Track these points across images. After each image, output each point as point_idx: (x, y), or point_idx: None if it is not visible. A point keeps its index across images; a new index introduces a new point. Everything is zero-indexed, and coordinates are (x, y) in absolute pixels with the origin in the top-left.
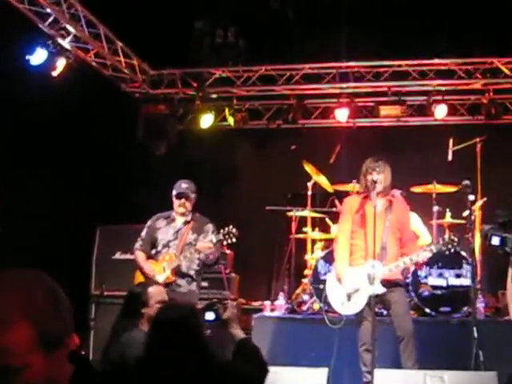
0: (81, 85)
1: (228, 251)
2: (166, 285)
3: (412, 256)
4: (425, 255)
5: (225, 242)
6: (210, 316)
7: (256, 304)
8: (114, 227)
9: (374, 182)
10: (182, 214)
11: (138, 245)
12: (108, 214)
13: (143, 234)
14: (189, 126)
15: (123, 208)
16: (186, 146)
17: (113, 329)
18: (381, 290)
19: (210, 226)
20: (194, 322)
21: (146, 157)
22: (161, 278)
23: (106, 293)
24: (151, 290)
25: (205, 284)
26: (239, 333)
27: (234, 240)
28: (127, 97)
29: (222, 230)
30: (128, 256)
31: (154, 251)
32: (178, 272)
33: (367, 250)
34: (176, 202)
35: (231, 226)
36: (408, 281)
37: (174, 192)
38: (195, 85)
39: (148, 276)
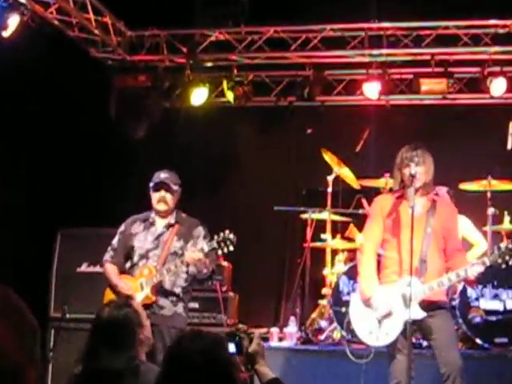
0: (38, 49)
1: (225, 263)
2: (145, 306)
3: (459, 271)
4: (476, 270)
5: (220, 251)
6: (230, 348)
7: (260, 331)
8: (80, 231)
9: (412, 177)
10: (164, 214)
11: (108, 256)
12: (72, 214)
13: (115, 242)
14: (176, 102)
15: (92, 207)
16: (173, 128)
17: (110, 371)
18: (420, 314)
19: (200, 230)
20: (224, 357)
21: (122, 142)
22: (138, 298)
23: (68, 315)
24: (138, 306)
25: (194, 305)
26: (267, 371)
27: (231, 248)
28: (98, 65)
29: (216, 236)
30: (97, 269)
31: (128, 264)
32: (159, 290)
33: (402, 263)
34: (154, 197)
35: (228, 231)
36: (454, 303)
37: (151, 184)
38: (185, 50)
39: (122, 295)
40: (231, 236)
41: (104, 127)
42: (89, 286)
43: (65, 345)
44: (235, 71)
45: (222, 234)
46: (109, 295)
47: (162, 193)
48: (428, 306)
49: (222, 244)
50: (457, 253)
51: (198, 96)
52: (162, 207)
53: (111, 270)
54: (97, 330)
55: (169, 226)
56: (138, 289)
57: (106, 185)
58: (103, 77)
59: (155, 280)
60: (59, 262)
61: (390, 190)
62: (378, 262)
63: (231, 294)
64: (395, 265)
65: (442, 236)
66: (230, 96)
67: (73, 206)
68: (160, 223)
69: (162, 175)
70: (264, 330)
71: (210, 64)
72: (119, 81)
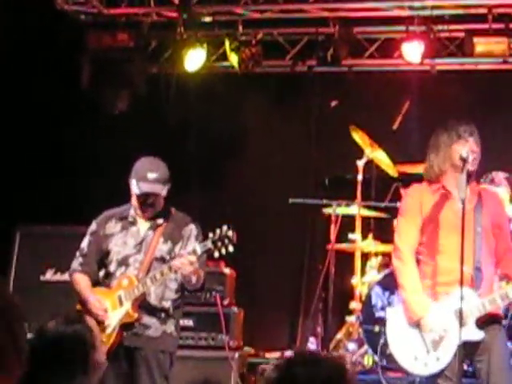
0: None
1: (226, 270)
2: (125, 326)
3: None
4: None
5: (216, 253)
6: None
7: (271, 356)
8: (44, 229)
9: (464, 161)
10: (149, 218)
11: (76, 264)
12: (34, 208)
13: (84, 245)
14: (166, 68)
15: (59, 199)
16: (161, 100)
17: None
18: (477, 334)
19: (191, 229)
20: None
21: (97, 118)
22: (116, 317)
23: (29, 335)
24: (91, 321)
25: (188, 323)
26: None
27: (230, 249)
28: (66, 20)
29: (210, 234)
30: (66, 277)
31: (102, 272)
32: (143, 305)
33: (451, 272)
34: (138, 200)
35: (225, 227)
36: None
37: (136, 188)
38: (176, 1)
39: (93, 315)
40: (230, 233)
41: (75, 99)
42: (55, 299)
43: None
44: (240, 28)
45: (218, 232)
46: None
47: (151, 201)
48: (483, 322)
49: (219, 244)
50: (509, 253)
51: (194, 59)
52: (147, 213)
53: (81, 281)
54: (37, 350)
55: (155, 226)
56: (115, 304)
57: (77, 171)
58: (74, 35)
59: (137, 292)
60: (18, 268)
61: (429, 181)
62: None
63: (235, 308)
64: (440, 274)
65: (493, 234)
66: (233, 60)
67: (34, 197)
68: (143, 223)
69: (150, 175)
70: (277, 354)
71: (208, 19)
72: (94, 40)
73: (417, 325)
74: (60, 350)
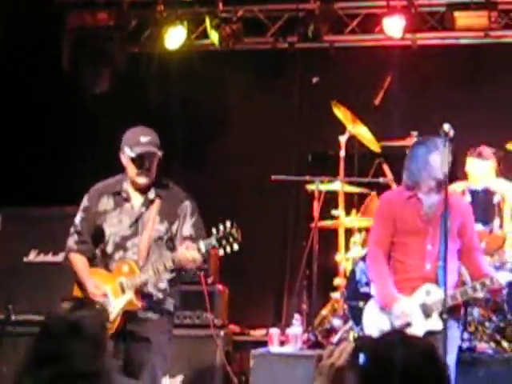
0: None
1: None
2: (127, 313)
3: (485, 280)
4: (504, 278)
5: (221, 251)
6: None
7: (257, 334)
8: (28, 211)
9: (446, 135)
10: (144, 187)
11: (72, 241)
12: (17, 190)
13: (77, 221)
14: (146, 46)
15: (42, 180)
16: (142, 79)
17: None
18: (440, 325)
19: (186, 206)
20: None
21: (78, 98)
22: (119, 304)
23: (14, 317)
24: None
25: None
26: None
27: (235, 247)
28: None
29: (214, 231)
30: (50, 258)
31: (99, 250)
32: (144, 291)
33: (418, 269)
34: (133, 170)
35: (229, 224)
36: (502, 297)
37: (130, 152)
38: None
39: (93, 298)
40: (234, 231)
41: (55, 79)
42: (39, 280)
43: (10, 353)
44: (220, 5)
45: (221, 229)
46: (78, 293)
47: (146, 164)
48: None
49: (224, 241)
50: (474, 253)
51: (174, 38)
52: (143, 180)
53: (79, 262)
54: (58, 334)
55: (149, 202)
56: (117, 291)
57: (60, 152)
58: (52, 15)
59: (139, 281)
60: (2, 249)
61: (406, 187)
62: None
63: (219, 286)
64: (409, 271)
65: (458, 236)
66: (214, 37)
67: (17, 179)
68: (137, 199)
69: (143, 138)
70: (262, 331)
71: None
72: (73, 19)
73: (387, 312)
74: (81, 332)
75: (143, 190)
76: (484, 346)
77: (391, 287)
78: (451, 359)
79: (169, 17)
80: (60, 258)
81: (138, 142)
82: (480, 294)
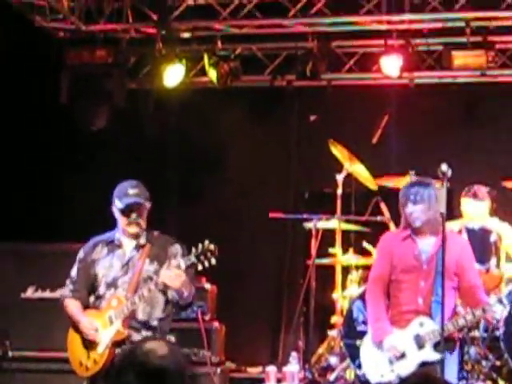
0: None
1: (207, 285)
2: (117, 344)
3: (476, 311)
4: (495, 310)
5: (200, 266)
6: None
7: (253, 371)
8: (25, 246)
9: (443, 174)
10: (135, 236)
11: (67, 291)
12: (16, 226)
13: (73, 273)
14: (145, 83)
15: (40, 215)
16: (140, 116)
17: None
18: (433, 356)
19: (176, 249)
20: None
21: (76, 134)
22: (107, 336)
23: (11, 353)
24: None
25: (170, 338)
26: None
27: (213, 261)
28: (45, 37)
29: (193, 249)
30: (47, 294)
31: (92, 297)
32: (132, 323)
33: (413, 304)
34: (123, 220)
35: (207, 242)
36: (498, 334)
37: (119, 204)
38: (155, 17)
39: (85, 335)
40: (212, 247)
41: (53, 115)
42: (37, 316)
43: None
44: (219, 43)
45: (200, 246)
46: (72, 336)
47: (134, 216)
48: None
49: (202, 257)
50: (473, 290)
51: (172, 75)
52: (134, 230)
53: (73, 305)
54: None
55: (139, 247)
56: (106, 324)
57: (57, 188)
58: (52, 52)
59: (126, 311)
60: None
61: (405, 227)
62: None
63: (216, 324)
64: (404, 305)
65: (455, 273)
66: (212, 75)
67: (14, 214)
68: (129, 244)
69: (131, 191)
70: (258, 368)
71: (187, 35)
72: (73, 57)
73: (380, 347)
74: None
75: (134, 237)
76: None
77: (384, 322)
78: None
79: (167, 54)
80: (58, 294)
81: (126, 193)
82: (469, 324)
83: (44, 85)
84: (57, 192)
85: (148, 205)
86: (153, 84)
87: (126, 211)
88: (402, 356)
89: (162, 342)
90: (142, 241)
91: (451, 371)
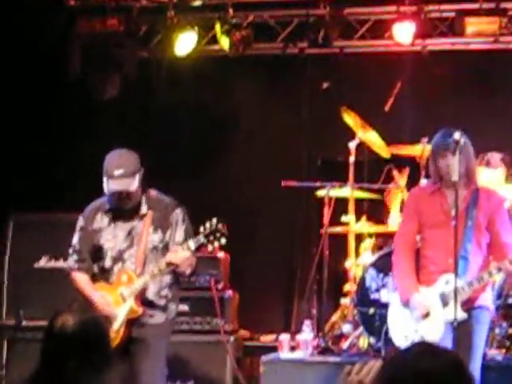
0: None
1: (221, 254)
2: (130, 321)
3: (501, 264)
4: None
5: (210, 247)
6: None
7: (266, 339)
8: (39, 216)
9: (456, 143)
10: (134, 205)
11: (72, 261)
12: (28, 196)
13: (75, 241)
14: (157, 52)
15: (53, 186)
16: (152, 85)
17: None
18: (461, 315)
19: (178, 214)
20: None
21: (87, 105)
22: (121, 313)
23: (25, 323)
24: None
25: (183, 307)
26: None
27: (223, 241)
28: (54, 4)
29: (201, 229)
30: (61, 263)
31: (98, 267)
32: (145, 298)
33: (441, 262)
34: (114, 199)
35: (215, 220)
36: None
37: (105, 186)
38: None
39: (99, 311)
40: (220, 226)
41: (64, 86)
42: (50, 286)
43: (20, 359)
44: (231, 11)
45: (208, 225)
46: None
47: (123, 194)
48: (469, 305)
49: (211, 237)
50: (504, 248)
51: (184, 43)
52: (126, 206)
53: (81, 280)
54: (63, 341)
55: (141, 216)
56: (119, 301)
57: (69, 158)
58: (62, 20)
59: (137, 287)
60: (12, 255)
61: (434, 183)
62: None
63: (229, 292)
64: (433, 264)
65: (486, 229)
66: (224, 43)
67: (28, 185)
68: (129, 214)
69: (117, 172)
70: (272, 336)
71: (198, 2)
72: (83, 26)
73: (406, 306)
74: (86, 339)
75: (134, 206)
76: (494, 353)
77: (412, 280)
78: (475, 353)
79: (179, 22)
80: None
81: (111, 175)
82: (496, 278)
83: (54, 54)
84: (69, 162)
85: (135, 183)
86: (164, 52)
87: (114, 195)
88: (427, 315)
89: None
90: (144, 209)
91: (480, 335)
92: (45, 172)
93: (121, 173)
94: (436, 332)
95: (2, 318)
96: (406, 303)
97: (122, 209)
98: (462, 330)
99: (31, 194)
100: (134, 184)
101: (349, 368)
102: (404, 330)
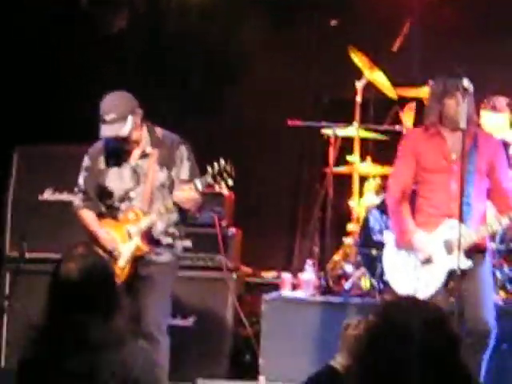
0: None
1: (225, 191)
2: (136, 259)
3: (503, 219)
4: None
5: (217, 187)
6: None
7: (269, 276)
8: (43, 148)
9: (465, 90)
10: (138, 142)
11: (78, 200)
12: (32, 127)
13: (81, 181)
14: None
15: (57, 118)
16: (161, 19)
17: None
18: (466, 263)
19: (182, 151)
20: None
21: (95, 36)
22: (127, 250)
23: (28, 255)
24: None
25: (186, 243)
26: None
27: (230, 182)
28: None
29: (209, 169)
30: (65, 196)
31: (105, 206)
32: (151, 236)
33: (442, 206)
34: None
35: (222, 161)
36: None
37: (100, 133)
38: None
39: (104, 246)
40: (228, 167)
41: (71, 16)
42: (54, 218)
43: (23, 291)
44: None
45: (216, 166)
46: None
47: (119, 138)
48: (471, 252)
49: (218, 178)
50: (504, 193)
51: None
52: (126, 147)
53: (87, 216)
54: (68, 292)
55: (145, 155)
56: (125, 237)
57: (75, 90)
58: None
59: (144, 226)
60: (16, 187)
61: (425, 126)
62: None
63: (233, 229)
64: (432, 207)
65: (487, 174)
66: None
67: (33, 116)
68: (134, 152)
69: (107, 117)
70: (274, 273)
71: None
72: None
73: (406, 249)
74: (91, 287)
75: (138, 143)
76: (495, 297)
77: (410, 223)
78: (487, 296)
79: None
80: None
81: (104, 120)
82: (504, 226)
83: None
84: (72, 93)
85: (128, 126)
86: None
87: (109, 141)
88: (429, 261)
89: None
90: (148, 149)
91: (486, 282)
92: (47, 103)
93: (111, 118)
94: (438, 279)
95: (5, 249)
96: (404, 245)
97: (124, 149)
98: (466, 277)
99: (35, 126)
100: (125, 128)
101: (346, 323)
102: (404, 277)
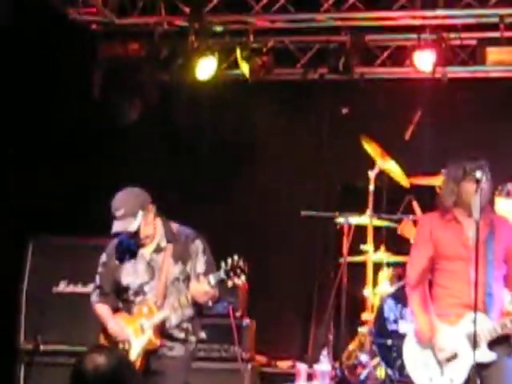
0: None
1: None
2: (148, 353)
3: None
4: None
5: (230, 283)
6: None
7: (283, 366)
8: (57, 240)
9: (478, 182)
10: (153, 235)
11: (94, 296)
12: (47, 219)
13: (98, 276)
14: (178, 76)
15: (73, 210)
16: (173, 109)
17: None
18: (489, 356)
19: (197, 245)
20: None
21: (108, 128)
22: (139, 344)
23: (43, 347)
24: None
25: (201, 334)
26: None
27: (242, 278)
28: (78, 30)
29: (223, 264)
30: (79, 288)
31: (121, 301)
32: (164, 331)
33: (462, 296)
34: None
35: (236, 257)
36: None
37: (112, 228)
38: (188, 10)
39: (116, 340)
40: (241, 263)
41: (86, 109)
42: (68, 311)
43: (38, 383)
44: (251, 37)
45: (229, 261)
46: (103, 340)
47: (129, 234)
48: (496, 344)
49: (231, 273)
50: None
51: (205, 68)
52: (137, 241)
53: (102, 310)
54: None
55: (159, 249)
56: (138, 331)
57: (90, 182)
58: (85, 45)
59: (157, 320)
60: (31, 279)
61: (442, 210)
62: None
63: (247, 320)
64: (452, 297)
65: (504, 260)
66: (244, 68)
67: (48, 208)
68: (148, 247)
69: (117, 213)
70: (288, 363)
71: (219, 28)
72: (105, 50)
73: (429, 345)
74: (119, 378)
75: (152, 237)
76: None
77: (431, 317)
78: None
79: (200, 47)
80: (89, 288)
81: (114, 216)
82: None
83: (76, 78)
84: (93, 189)
85: (137, 222)
86: (185, 77)
87: (123, 237)
88: (454, 357)
89: (103, 353)
90: (163, 243)
91: (510, 374)
92: (63, 195)
93: (121, 213)
94: (463, 374)
95: (19, 342)
96: (426, 342)
97: (138, 244)
98: (490, 369)
99: (50, 217)
100: (134, 223)
101: None
102: (428, 372)
